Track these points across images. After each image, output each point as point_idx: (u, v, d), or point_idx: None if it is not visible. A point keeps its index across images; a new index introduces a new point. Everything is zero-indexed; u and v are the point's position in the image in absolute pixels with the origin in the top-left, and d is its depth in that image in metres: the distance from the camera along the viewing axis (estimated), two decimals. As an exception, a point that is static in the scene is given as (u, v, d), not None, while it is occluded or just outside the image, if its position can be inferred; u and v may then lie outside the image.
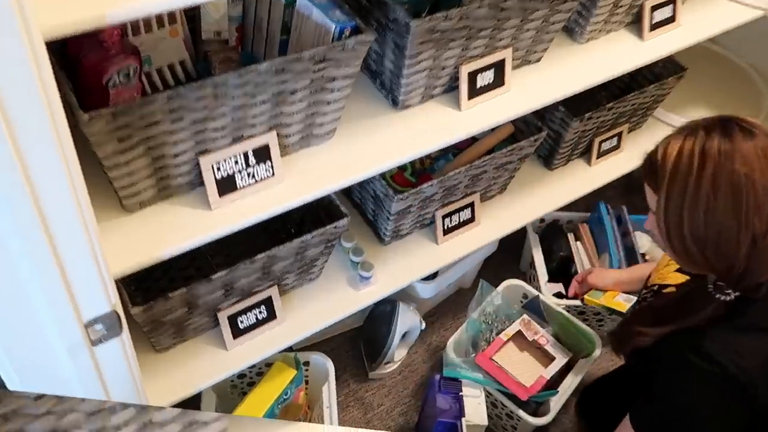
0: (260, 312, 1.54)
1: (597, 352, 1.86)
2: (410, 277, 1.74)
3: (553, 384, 1.78)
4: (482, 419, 1.72)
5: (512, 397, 1.75)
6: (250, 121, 1.17)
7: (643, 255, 2.09)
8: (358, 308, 1.66)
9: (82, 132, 0.98)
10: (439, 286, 1.99)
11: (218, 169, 1.19)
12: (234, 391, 1.77)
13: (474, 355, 1.80)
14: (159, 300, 1.32)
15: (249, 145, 1.20)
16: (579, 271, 2.10)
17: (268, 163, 1.24)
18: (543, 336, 1.85)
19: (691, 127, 1.17)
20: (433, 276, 1.99)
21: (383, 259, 1.75)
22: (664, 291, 1.46)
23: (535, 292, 2.00)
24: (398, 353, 2.02)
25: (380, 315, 1.95)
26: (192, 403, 1.58)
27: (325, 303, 1.65)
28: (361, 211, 1.81)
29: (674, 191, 1.14)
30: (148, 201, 1.19)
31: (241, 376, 1.75)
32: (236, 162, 1.20)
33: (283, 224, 1.67)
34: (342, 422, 1.92)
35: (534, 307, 1.95)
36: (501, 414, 1.83)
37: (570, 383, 1.81)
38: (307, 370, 1.76)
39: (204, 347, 1.53)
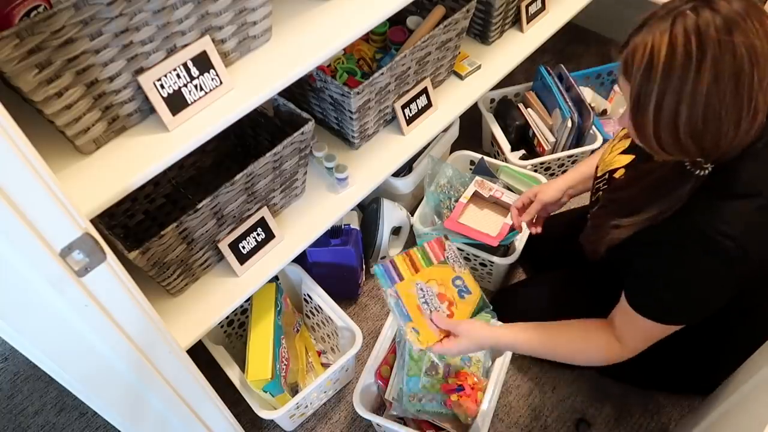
0: (258, 234, 1.35)
1: None
2: (385, 170, 1.54)
3: (514, 227, 1.64)
4: None
5: (484, 247, 1.65)
6: (178, 28, 0.94)
7: (591, 105, 1.89)
8: (345, 210, 1.47)
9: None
10: (416, 180, 1.80)
11: (162, 86, 0.96)
12: (231, 337, 1.63)
13: (441, 222, 1.70)
14: (153, 240, 1.13)
15: (185, 55, 0.96)
16: (536, 134, 1.91)
17: (212, 71, 1.01)
18: (497, 190, 1.73)
19: (674, 7, 0.87)
20: (408, 171, 1.81)
21: (357, 162, 1.55)
22: (615, 176, 1.23)
23: (479, 156, 1.85)
24: (393, 249, 1.85)
25: (369, 214, 1.77)
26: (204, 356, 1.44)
27: (315, 213, 1.46)
28: (326, 126, 1.59)
29: (669, 88, 0.86)
30: (101, 138, 0.96)
31: (230, 323, 1.61)
32: (178, 75, 0.97)
33: (258, 152, 1.47)
34: (365, 318, 1.76)
35: (482, 169, 1.82)
36: (476, 265, 1.73)
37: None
38: (279, 281, 1.59)
39: (217, 280, 1.35)
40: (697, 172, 0.98)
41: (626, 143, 1.26)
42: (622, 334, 1.14)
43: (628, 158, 1.23)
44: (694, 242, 0.97)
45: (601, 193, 1.27)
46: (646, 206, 1.02)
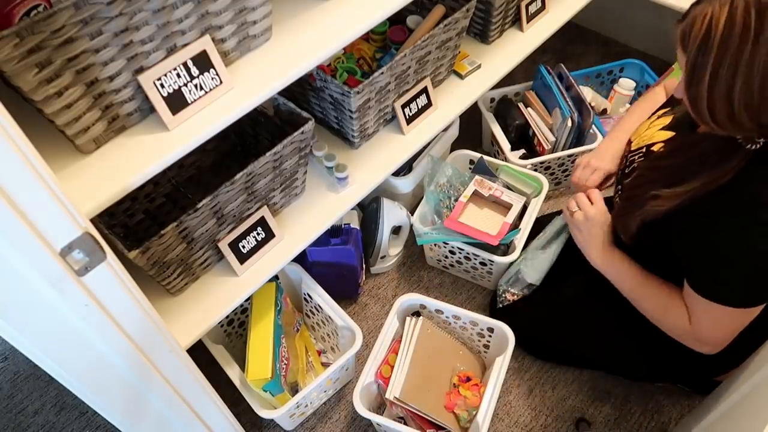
0: (258, 234, 1.35)
1: (545, 189, 1.75)
2: (386, 170, 1.53)
3: (514, 226, 1.67)
4: None
5: (484, 247, 1.64)
6: (178, 27, 0.94)
7: (591, 105, 1.89)
8: (345, 210, 1.46)
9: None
10: (416, 179, 1.80)
11: (162, 85, 0.95)
12: (231, 336, 1.63)
13: (441, 221, 1.69)
14: (153, 240, 1.13)
15: (186, 55, 0.96)
16: (536, 134, 1.91)
17: (212, 71, 1.01)
18: (497, 189, 1.73)
19: None
20: (408, 171, 1.80)
21: (357, 162, 1.55)
22: (653, 149, 1.19)
23: (479, 155, 1.85)
24: (393, 249, 1.85)
25: (369, 214, 1.77)
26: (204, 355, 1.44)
27: (315, 212, 1.45)
28: (326, 125, 1.59)
29: (725, 60, 0.86)
30: (101, 137, 0.96)
31: (230, 322, 1.61)
32: (178, 75, 0.97)
33: (258, 152, 1.47)
34: (365, 318, 1.76)
35: (482, 168, 1.81)
36: (476, 264, 1.72)
37: (528, 220, 1.70)
38: (279, 280, 1.60)
39: (217, 279, 1.34)
40: (749, 146, 0.96)
41: (666, 120, 1.23)
42: (698, 322, 1.09)
43: (668, 134, 1.20)
44: (756, 213, 0.95)
45: (635, 165, 1.22)
46: (689, 177, 0.99)
